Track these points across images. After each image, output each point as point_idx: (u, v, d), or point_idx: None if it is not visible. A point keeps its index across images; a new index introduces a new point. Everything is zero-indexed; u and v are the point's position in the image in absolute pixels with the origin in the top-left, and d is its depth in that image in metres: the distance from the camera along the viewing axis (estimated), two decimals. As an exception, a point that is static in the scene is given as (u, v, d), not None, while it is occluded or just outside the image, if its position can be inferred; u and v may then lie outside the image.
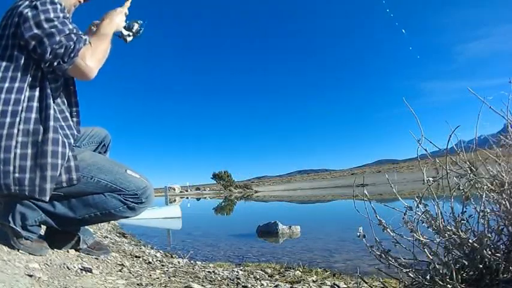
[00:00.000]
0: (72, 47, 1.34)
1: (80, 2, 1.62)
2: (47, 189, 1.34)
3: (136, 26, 1.72)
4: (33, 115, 1.34)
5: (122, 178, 1.50)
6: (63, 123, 1.45)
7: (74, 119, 1.55)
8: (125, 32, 1.69)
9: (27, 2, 1.36)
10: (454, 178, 1.24)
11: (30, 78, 1.36)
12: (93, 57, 1.40)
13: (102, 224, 5.38)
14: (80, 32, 1.42)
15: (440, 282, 1.12)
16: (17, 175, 1.29)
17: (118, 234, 4.68)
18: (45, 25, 1.33)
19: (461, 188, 1.22)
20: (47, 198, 1.35)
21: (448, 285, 1.11)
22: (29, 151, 1.32)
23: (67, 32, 1.35)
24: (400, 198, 1.31)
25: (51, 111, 1.37)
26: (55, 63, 1.34)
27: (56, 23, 1.35)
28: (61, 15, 1.38)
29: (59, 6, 1.39)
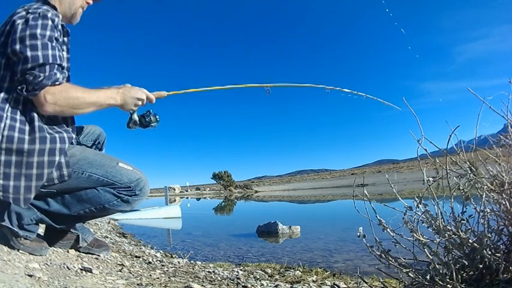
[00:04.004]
0: (39, 80, 1.29)
1: (88, 3, 1.59)
2: (31, 199, 1.34)
3: (153, 124, 1.63)
4: (18, 124, 1.32)
5: (114, 171, 1.48)
6: (58, 129, 1.42)
7: (70, 124, 1.53)
8: (135, 117, 1.60)
9: (23, 13, 1.34)
10: (454, 178, 1.24)
11: (16, 93, 1.33)
12: (56, 98, 1.33)
13: (102, 224, 5.39)
14: (59, 62, 1.36)
15: (440, 282, 1.12)
16: (1, 181, 1.28)
17: (118, 234, 4.68)
18: (28, 42, 1.29)
19: (461, 188, 1.22)
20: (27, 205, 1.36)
21: (448, 285, 1.11)
22: (14, 158, 1.29)
23: (41, 61, 1.29)
24: (400, 198, 1.31)
25: (37, 123, 1.34)
26: (19, 88, 1.30)
27: (38, 42, 1.30)
28: (48, 33, 1.33)
29: (49, 22, 1.35)
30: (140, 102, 1.57)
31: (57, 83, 1.34)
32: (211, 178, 44.53)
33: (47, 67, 1.31)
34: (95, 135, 1.79)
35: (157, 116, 1.65)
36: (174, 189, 44.05)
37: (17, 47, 1.30)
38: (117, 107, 1.53)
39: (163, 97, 1.67)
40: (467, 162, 1.26)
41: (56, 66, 1.34)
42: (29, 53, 1.29)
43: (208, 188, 51.29)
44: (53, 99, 1.33)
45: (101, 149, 1.82)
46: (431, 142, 1.24)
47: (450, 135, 1.18)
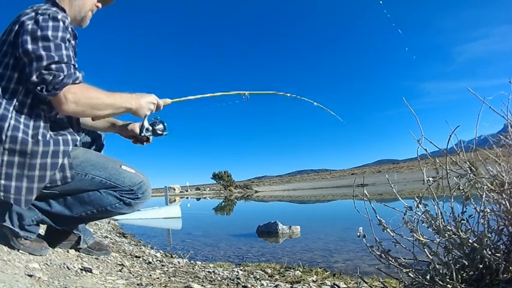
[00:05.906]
0: (60, 79, 1.27)
1: (97, 7, 1.57)
2: (32, 200, 1.32)
3: (160, 127, 1.65)
4: (22, 126, 1.30)
5: (117, 174, 1.47)
6: (62, 131, 1.41)
7: (75, 126, 1.52)
8: (146, 124, 1.62)
9: (32, 14, 1.32)
10: (454, 178, 1.24)
11: (21, 95, 1.32)
12: (78, 97, 1.32)
13: (102, 224, 5.38)
14: (73, 62, 1.34)
15: (440, 282, 1.12)
16: (2, 182, 1.26)
17: (118, 234, 4.68)
18: (40, 43, 1.28)
19: (461, 188, 1.22)
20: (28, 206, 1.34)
21: (448, 285, 1.11)
22: (16, 159, 1.28)
23: (56, 59, 1.28)
24: (400, 198, 1.31)
25: (42, 125, 1.33)
26: (38, 88, 1.28)
27: (50, 43, 1.29)
28: (60, 34, 1.32)
29: (61, 24, 1.33)
30: (153, 107, 1.58)
31: (77, 81, 1.33)
32: (211, 178, 44.58)
33: (64, 66, 1.30)
34: (94, 135, 1.78)
35: (165, 124, 1.67)
36: (174, 189, 44.06)
37: (29, 46, 1.27)
38: (132, 112, 1.53)
39: (167, 104, 1.67)
40: (467, 162, 1.26)
41: (71, 66, 1.33)
42: (43, 52, 1.27)
43: (208, 188, 51.32)
44: (74, 99, 1.31)
45: (100, 150, 1.81)
46: (431, 142, 1.24)
47: (450, 135, 1.18)
